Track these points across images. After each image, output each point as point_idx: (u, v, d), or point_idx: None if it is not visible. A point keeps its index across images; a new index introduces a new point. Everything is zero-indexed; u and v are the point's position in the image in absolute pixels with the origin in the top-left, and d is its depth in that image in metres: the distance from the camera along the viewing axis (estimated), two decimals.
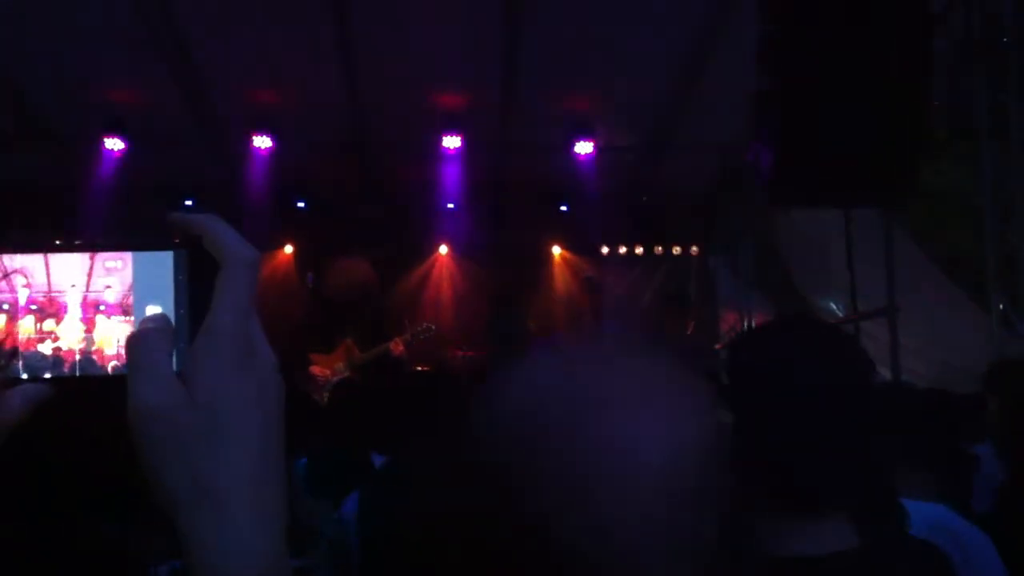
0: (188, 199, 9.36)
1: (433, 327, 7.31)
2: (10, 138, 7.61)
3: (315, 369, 7.60)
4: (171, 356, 0.68)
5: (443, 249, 9.93)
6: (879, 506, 1.98)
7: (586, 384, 0.83)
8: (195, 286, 0.76)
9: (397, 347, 7.29)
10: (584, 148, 7.94)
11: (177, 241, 0.78)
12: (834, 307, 7.74)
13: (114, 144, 7.80)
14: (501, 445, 0.83)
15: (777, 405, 1.35)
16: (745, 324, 8.74)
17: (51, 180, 8.29)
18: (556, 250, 10.01)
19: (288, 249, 9.80)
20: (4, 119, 7.38)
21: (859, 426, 1.36)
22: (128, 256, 0.80)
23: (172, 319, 0.72)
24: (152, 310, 0.75)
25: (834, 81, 4.44)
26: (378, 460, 3.60)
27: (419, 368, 7.95)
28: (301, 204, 9.41)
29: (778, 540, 1.32)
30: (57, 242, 7.93)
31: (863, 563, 1.32)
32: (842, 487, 1.35)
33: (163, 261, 0.82)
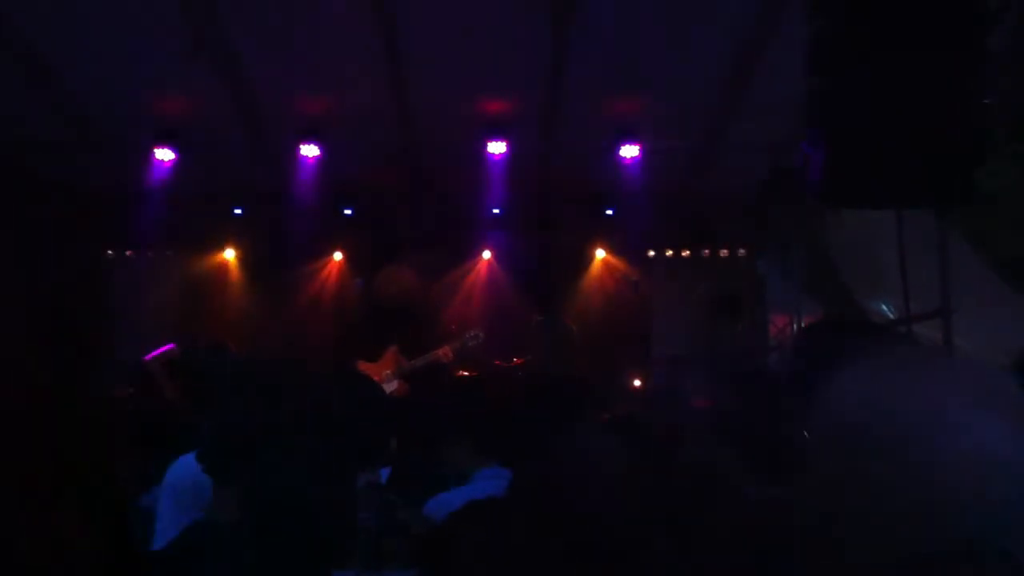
0: (237, 208, 9.51)
1: (481, 334, 7.31)
2: (65, 148, 7.78)
3: None
4: None
5: (486, 254, 9.94)
6: None
7: (922, 392, 0.84)
8: None
9: (446, 355, 7.31)
10: (630, 152, 7.91)
11: None
12: (885, 309, 7.62)
13: (164, 154, 7.93)
14: (840, 454, 0.84)
15: None
16: (796, 327, 8.64)
17: (105, 188, 8.46)
18: (600, 253, 9.97)
19: (338, 256, 9.91)
20: (59, 129, 7.54)
21: None
22: None
23: None
24: None
25: (886, 80, 4.37)
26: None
27: (463, 374, 7.98)
28: (348, 211, 9.50)
29: None
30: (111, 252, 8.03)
31: None
32: None
33: None
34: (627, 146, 7.86)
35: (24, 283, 7.26)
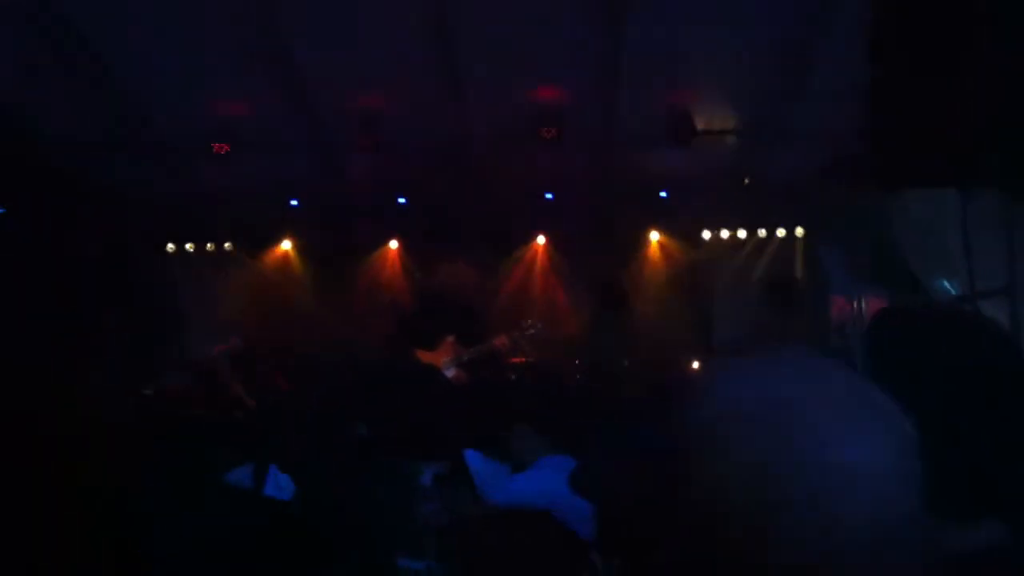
0: (293, 199, 9.62)
1: (539, 324, 7.30)
2: (124, 149, 7.92)
3: None
4: None
5: (540, 240, 9.92)
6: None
7: (794, 396, 0.85)
8: None
9: (503, 344, 7.33)
10: (684, 136, 7.79)
11: None
12: (948, 287, 7.46)
13: (223, 149, 8.04)
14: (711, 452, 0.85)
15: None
16: (855, 308, 8.51)
17: (164, 187, 8.62)
18: (654, 236, 9.89)
19: (394, 244, 10.00)
20: (116, 131, 7.67)
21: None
22: None
23: None
24: None
25: (947, 60, 4.27)
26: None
27: (520, 361, 7.98)
28: (402, 200, 9.55)
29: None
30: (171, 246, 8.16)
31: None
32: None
33: None
34: (680, 130, 7.75)
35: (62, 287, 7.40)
